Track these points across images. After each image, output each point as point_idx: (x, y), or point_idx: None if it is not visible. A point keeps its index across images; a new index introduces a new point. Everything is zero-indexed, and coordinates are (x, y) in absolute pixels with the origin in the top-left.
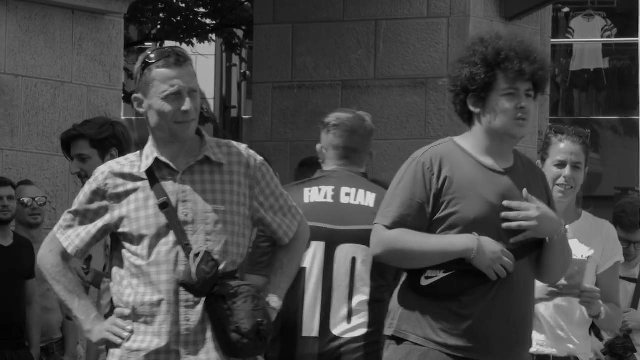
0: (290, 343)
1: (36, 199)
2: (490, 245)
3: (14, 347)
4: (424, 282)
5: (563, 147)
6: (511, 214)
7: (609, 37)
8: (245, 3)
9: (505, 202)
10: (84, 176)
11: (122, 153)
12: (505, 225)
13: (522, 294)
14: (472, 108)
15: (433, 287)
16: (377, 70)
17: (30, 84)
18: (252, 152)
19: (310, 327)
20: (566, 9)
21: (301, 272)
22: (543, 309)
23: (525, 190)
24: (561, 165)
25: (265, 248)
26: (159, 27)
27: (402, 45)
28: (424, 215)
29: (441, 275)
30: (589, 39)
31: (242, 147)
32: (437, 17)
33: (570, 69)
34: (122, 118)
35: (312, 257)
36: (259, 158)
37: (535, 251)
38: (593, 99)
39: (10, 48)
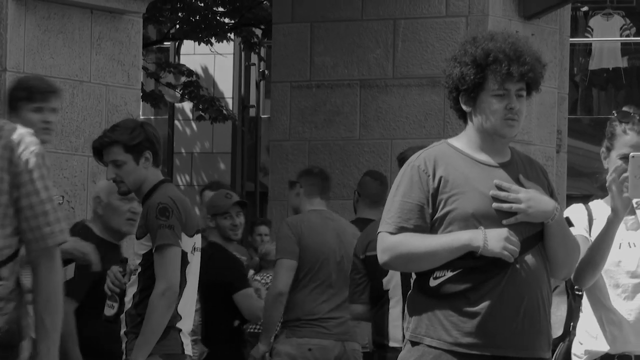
0: (380, 353)
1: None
2: (496, 230)
3: None
4: (433, 282)
5: (629, 139)
6: (502, 194)
7: (628, 36)
8: (264, 2)
9: (496, 181)
10: (120, 181)
11: (155, 155)
12: (495, 205)
13: (530, 285)
14: (463, 106)
15: (442, 286)
16: (395, 70)
17: None
18: (30, 140)
19: (397, 338)
20: (585, 8)
21: (384, 293)
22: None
23: (521, 176)
24: (626, 158)
25: (358, 279)
26: (177, 26)
27: (420, 44)
28: (425, 217)
29: (449, 274)
30: (607, 38)
31: (19, 132)
32: (455, 16)
33: (589, 68)
34: (141, 117)
35: (393, 278)
36: (34, 149)
37: (540, 243)
38: (612, 98)
39: (28, 47)
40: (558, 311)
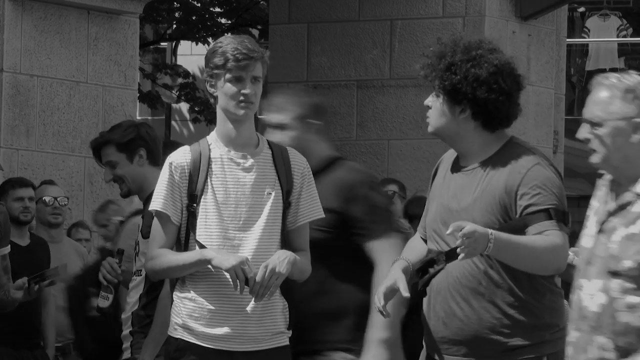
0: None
1: (58, 199)
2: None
3: (31, 347)
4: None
5: None
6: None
7: (624, 36)
8: (261, 2)
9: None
10: (121, 182)
11: (150, 153)
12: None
13: (452, 293)
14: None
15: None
16: (392, 70)
17: (46, 84)
18: None
19: None
20: (582, 9)
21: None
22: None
23: (452, 225)
24: None
25: None
26: (174, 26)
27: (417, 45)
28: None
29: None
30: (604, 39)
31: None
32: (452, 16)
33: (586, 68)
34: (138, 118)
35: None
36: None
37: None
38: None
39: (25, 48)
40: None
